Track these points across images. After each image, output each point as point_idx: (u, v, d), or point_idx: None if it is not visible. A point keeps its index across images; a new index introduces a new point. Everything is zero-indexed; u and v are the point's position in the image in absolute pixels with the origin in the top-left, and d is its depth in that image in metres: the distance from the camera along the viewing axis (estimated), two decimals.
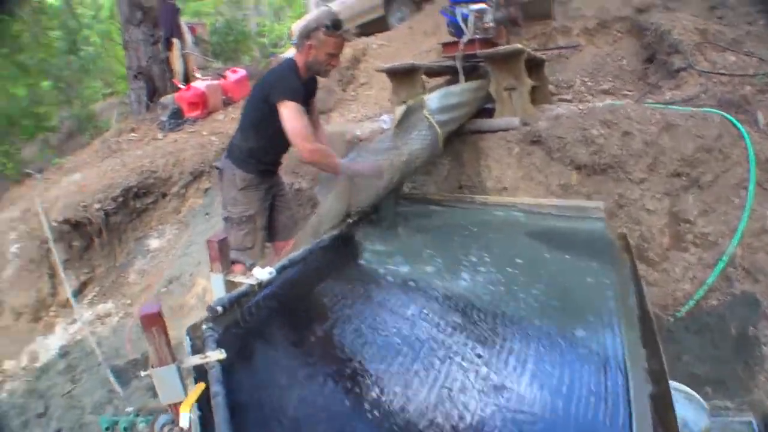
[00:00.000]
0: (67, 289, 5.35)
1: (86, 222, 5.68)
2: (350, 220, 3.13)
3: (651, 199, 3.94)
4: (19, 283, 5.62)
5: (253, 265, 3.38)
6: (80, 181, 6.28)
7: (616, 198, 3.99)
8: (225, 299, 2.15)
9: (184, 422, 1.35)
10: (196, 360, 1.81)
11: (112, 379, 4.22)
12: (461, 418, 1.70)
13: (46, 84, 10.57)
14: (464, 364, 1.95)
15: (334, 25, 3.38)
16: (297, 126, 3.27)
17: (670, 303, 3.67)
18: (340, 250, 2.95)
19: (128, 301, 5.33)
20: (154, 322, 1.71)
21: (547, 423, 1.70)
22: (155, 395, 3.67)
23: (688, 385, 2.53)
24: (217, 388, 1.64)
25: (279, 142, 3.46)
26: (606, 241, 2.95)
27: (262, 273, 2.33)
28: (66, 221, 5.64)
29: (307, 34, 3.43)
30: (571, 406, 1.74)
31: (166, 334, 1.73)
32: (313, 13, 3.52)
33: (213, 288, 2.53)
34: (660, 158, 3.96)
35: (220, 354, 1.79)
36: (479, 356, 2.00)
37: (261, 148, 3.63)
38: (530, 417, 1.68)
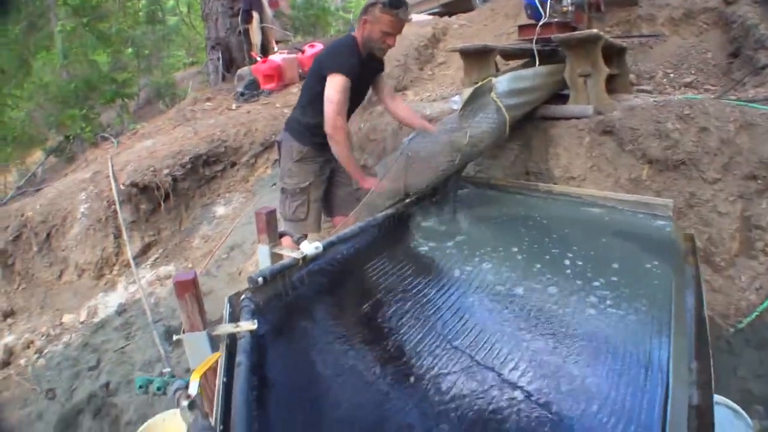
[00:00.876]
0: (128, 249, 5.47)
1: (154, 186, 5.82)
2: (407, 200, 3.08)
3: (723, 201, 3.75)
4: (85, 242, 5.79)
5: (301, 239, 3.40)
6: (151, 147, 6.43)
7: (687, 197, 3.81)
8: (267, 271, 2.15)
9: (192, 389, 1.33)
10: (228, 328, 1.81)
11: (157, 339, 4.29)
12: (497, 404, 1.64)
13: (128, 52, 10.83)
14: (507, 350, 1.89)
15: (392, 3, 3.31)
16: (334, 97, 3.30)
17: (732, 312, 3.50)
18: (394, 230, 2.91)
19: (190, 265, 5.46)
20: (187, 288, 1.71)
21: (575, 419, 1.62)
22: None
23: (739, 402, 2.40)
24: (241, 358, 1.63)
25: None
26: (671, 241, 2.83)
27: (309, 247, 2.31)
28: (134, 184, 5.78)
29: (365, 8, 3.43)
30: (605, 404, 1.68)
31: (199, 300, 1.73)
32: None
33: (259, 259, 2.53)
34: (736, 158, 3.76)
35: (251, 324, 1.78)
36: (526, 346, 1.93)
37: (318, 123, 3.52)
38: (559, 409, 1.61)
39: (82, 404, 4.20)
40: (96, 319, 5.26)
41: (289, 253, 2.34)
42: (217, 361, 1.69)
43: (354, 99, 3.55)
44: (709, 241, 3.71)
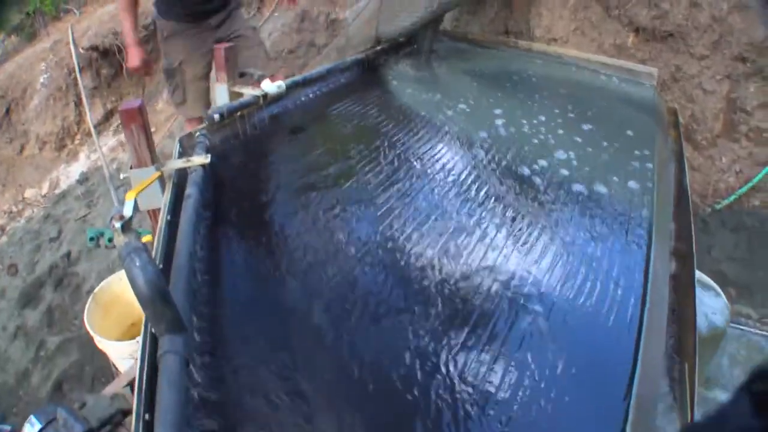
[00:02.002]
0: (89, 118, 5.27)
1: (115, 49, 5.54)
2: (379, 47, 2.90)
3: (710, 79, 3.63)
4: (45, 113, 5.58)
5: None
6: (113, 11, 6.10)
7: (673, 70, 3.69)
8: (224, 107, 2.02)
9: (126, 211, 1.20)
10: (179, 163, 1.67)
11: (114, 199, 4.16)
12: (466, 264, 1.53)
13: None
14: (488, 209, 1.78)
15: None
16: None
17: (710, 193, 3.49)
18: (363, 75, 2.74)
19: (153, 129, 5.17)
20: (133, 118, 1.56)
21: (557, 279, 1.53)
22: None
23: None
24: (191, 191, 1.51)
25: None
26: (654, 110, 2.77)
27: (271, 86, 2.17)
28: (94, 47, 5.51)
29: None
30: (586, 268, 1.59)
31: (147, 132, 1.58)
32: None
33: (216, 98, 2.37)
34: (726, 38, 3.60)
35: (204, 159, 1.66)
36: (503, 206, 1.82)
37: None
38: (538, 286, 1.50)
39: (44, 276, 4.11)
40: (58, 191, 5.12)
41: (249, 91, 2.19)
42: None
43: None
44: (692, 118, 3.63)
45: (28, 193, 5.28)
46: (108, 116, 5.57)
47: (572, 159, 2.19)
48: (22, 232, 4.74)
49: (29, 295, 3.98)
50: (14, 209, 5.18)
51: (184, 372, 1.00)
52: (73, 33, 5.65)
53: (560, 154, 2.21)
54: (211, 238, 1.50)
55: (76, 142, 5.47)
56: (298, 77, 2.40)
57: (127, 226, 1.14)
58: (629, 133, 2.46)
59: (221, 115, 1.98)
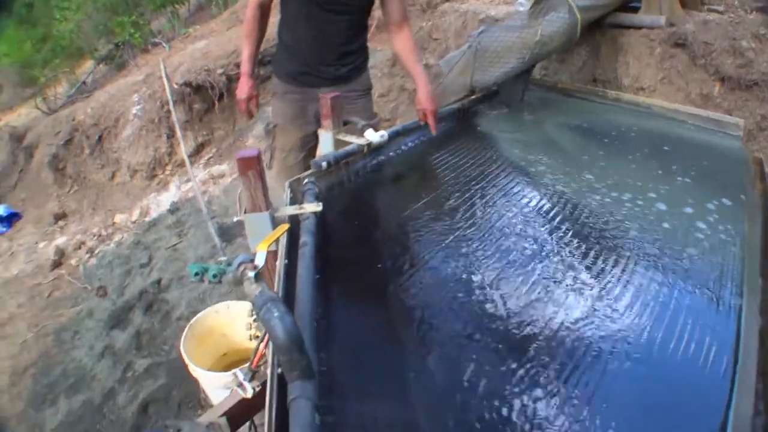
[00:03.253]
0: (182, 148, 5.48)
1: (208, 86, 5.78)
2: (473, 96, 3.00)
3: None
4: (137, 143, 5.84)
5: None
6: (205, 48, 6.38)
7: (758, 119, 3.64)
8: (330, 156, 2.13)
9: (259, 260, 1.30)
10: (292, 210, 1.77)
11: (212, 231, 4.31)
12: (549, 319, 1.58)
13: None
14: (565, 268, 1.81)
15: None
16: None
17: None
18: (460, 125, 2.83)
19: None
20: (251, 165, 1.66)
21: (645, 330, 1.55)
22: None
23: None
24: (306, 239, 1.60)
25: (309, 29, 2.75)
26: (741, 161, 2.73)
27: (374, 135, 2.27)
28: (188, 84, 5.76)
29: None
30: (675, 320, 1.59)
31: (262, 179, 1.68)
32: None
33: (321, 145, 2.49)
34: None
35: (316, 206, 1.75)
36: (584, 264, 1.85)
37: (291, 44, 2.87)
38: (625, 333, 1.54)
39: (133, 300, 4.25)
40: (148, 218, 5.33)
41: (353, 139, 2.29)
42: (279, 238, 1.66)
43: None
44: None
45: (118, 218, 5.50)
46: (199, 149, 5.79)
47: (659, 210, 2.20)
48: (111, 256, 4.94)
49: (118, 318, 4.14)
50: (104, 233, 5.39)
51: (314, 417, 1.04)
52: (165, 67, 5.90)
53: (646, 205, 2.23)
54: (325, 285, 1.57)
55: (167, 172, 5.69)
56: (398, 127, 2.50)
57: (260, 276, 1.24)
58: (716, 184, 2.46)
59: (328, 164, 2.09)
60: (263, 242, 1.50)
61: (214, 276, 3.83)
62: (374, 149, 2.31)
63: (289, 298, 1.42)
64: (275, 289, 1.50)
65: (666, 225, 2.10)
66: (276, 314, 1.07)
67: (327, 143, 2.42)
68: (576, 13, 3.14)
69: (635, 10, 4.19)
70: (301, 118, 2.94)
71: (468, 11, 4.91)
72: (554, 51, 3.29)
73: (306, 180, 2.00)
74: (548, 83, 3.71)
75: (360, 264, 1.79)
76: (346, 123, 2.48)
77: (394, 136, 2.41)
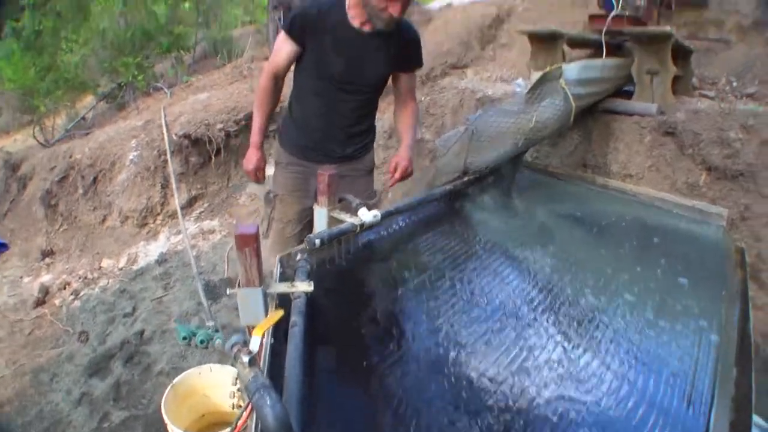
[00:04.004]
0: (176, 201, 5.52)
1: (206, 140, 5.84)
2: (466, 178, 3.07)
3: None
4: (131, 189, 5.86)
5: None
6: (206, 101, 6.46)
7: (741, 209, 3.77)
8: (325, 234, 2.15)
9: (253, 345, 1.33)
10: (283, 287, 1.80)
11: (200, 291, 4.33)
12: (529, 396, 1.63)
13: (187, 5, 10.86)
14: (548, 346, 1.87)
15: None
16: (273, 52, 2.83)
17: None
18: (450, 206, 2.90)
19: (234, 221, 5.42)
20: (248, 242, 1.70)
21: (616, 414, 1.61)
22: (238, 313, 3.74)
23: None
24: (296, 319, 1.63)
25: (316, 89, 2.78)
26: (722, 251, 2.80)
27: (367, 215, 2.31)
28: (186, 136, 5.83)
29: None
30: (647, 407, 1.64)
31: (258, 256, 1.72)
32: None
33: (315, 221, 2.53)
34: None
35: (308, 286, 1.78)
36: (564, 344, 1.91)
37: (300, 116, 2.89)
38: (600, 410, 1.59)
39: (114, 349, 4.22)
40: (135, 267, 5.32)
41: (347, 218, 2.34)
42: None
43: (339, 70, 2.75)
44: (758, 258, 3.66)
45: (105, 262, 5.50)
46: (191, 202, 5.83)
47: (637, 296, 2.26)
48: (95, 301, 4.92)
49: (98, 365, 4.10)
50: (89, 276, 5.39)
51: None
52: (165, 116, 5.97)
53: (625, 291, 2.29)
54: (313, 367, 1.60)
55: (158, 222, 5.72)
56: (391, 207, 2.54)
57: (254, 361, 1.27)
58: (696, 273, 2.52)
59: (321, 241, 2.13)
60: (259, 328, 1.53)
61: (201, 342, 3.84)
62: (367, 228, 2.35)
63: (275, 375, 1.44)
64: (261, 366, 1.53)
65: (644, 311, 2.16)
66: (268, 402, 1.11)
67: (321, 220, 2.47)
68: (571, 101, 3.24)
69: (629, 94, 4.32)
70: (302, 191, 2.97)
71: (466, 89, 5.04)
72: (548, 137, 3.39)
73: (299, 257, 2.04)
74: (539, 166, 3.79)
75: (347, 344, 1.83)
76: (341, 200, 2.54)
77: (386, 215, 2.46)
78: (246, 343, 1.33)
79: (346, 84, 2.77)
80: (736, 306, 2.30)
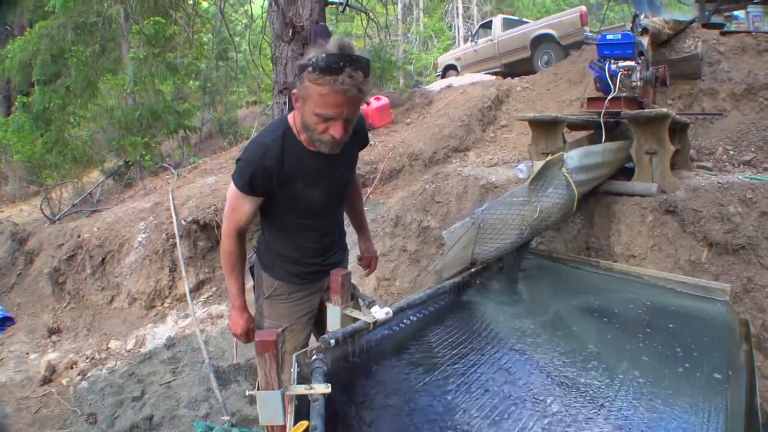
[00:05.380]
0: (185, 285, 5.57)
1: (214, 224, 5.93)
2: (473, 269, 3.13)
3: None
4: (139, 271, 5.93)
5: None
6: (214, 185, 6.59)
7: (744, 282, 3.82)
8: (339, 333, 2.20)
9: None
10: (301, 390, 1.85)
11: (213, 379, 4.34)
12: None
13: (193, 84, 11.12)
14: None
15: (325, 66, 2.06)
16: (226, 213, 2.57)
17: None
18: (459, 298, 2.95)
19: None
20: (268, 348, 1.77)
21: None
22: (251, 402, 3.74)
23: None
24: (316, 422, 1.67)
25: (302, 225, 2.63)
26: (727, 326, 2.85)
27: (380, 312, 2.36)
28: (195, 221, 5.91)
29: (297, 72, 2.24)
30: None
31: (277, 361, 1.78)
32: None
33: (329, 319, 2.58)
34: None
35: (325, 388, 1.83)
36: (573, 427, 1.95)
37: (290, 253, 2.72)
38: None
39: None
40: (143, 349, 5.35)
41: (360, 316, 2.39)
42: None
43: (320, 201, 2.58)
44: (763, 328, 3.70)
45: (113, 344, 5.53)
46: (199, 286, 5.88)
47: (644, 379, 2.29)
48: (104, 383, 4.94)
49: None
50: (97, 356, 5.41)
51: None
52: (173, 199, 6.07)
53: (632, 375, 2.33)
54: None
55: (166, 305, 5.77)
56: (402, 303, 2.60)
57: None
58: (703, 350, 2.56)
59: (336, 341, 2.17)
60: None
61: None
62: (379, 324, 2.40)
63: None
64: None
65: (652, 393, 2.19)
66: None
67: (335, 318, 2.52)
68: (574, 188, 3.31)
69: (629, 171, 4.40)
70: (309, 312, 2.84)
71: (470, 176, 5.14)
72: (552, 225, 3.45)
73: (314, 357, 2.07)
74: (544, 252, 3.85)
75: None
76: (352, 297, 2.59)
77: (397, 311, 2.50)
78: None
79: (329, 206, 2.65)
80: (742, 380, 2.34)
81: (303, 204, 2.53)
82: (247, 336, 2.81)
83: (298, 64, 2.20)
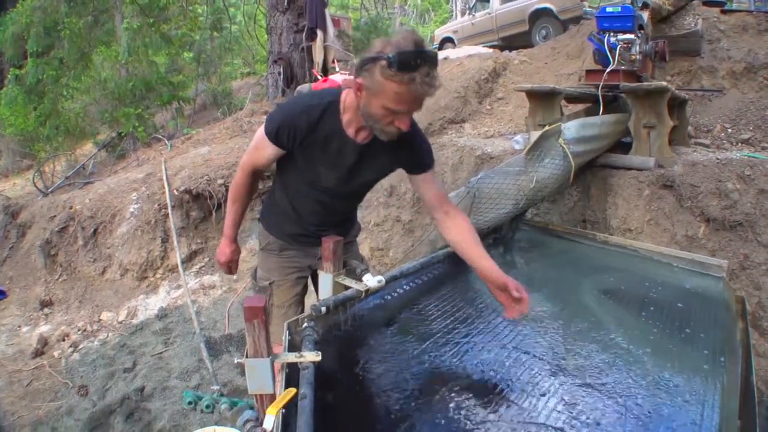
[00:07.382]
0: (177, 255, 5.53)
1: (207, 195, 5.87)
2: None
3: None
4: (131, 242, 5.89)
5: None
6: (207, 155, 6.52)
7: (741, 259, 3.80)
8: (330, 300, 2.18)
9: (268, 424, 1.34)
10: (291, 358, 1.81)
11: (203, 350, 4.31)
12: None
13: (187, 55, 11.01)
14: (547, 412, 1.87)
15: (401, 63, 1.98)
16: (248, 149, 2.60)
17: None
18: (453, 268, 2.91)
19: (234, 277, 5.34)
20: (256, 314, 1.72)
21: None
22: (241, 372, 3.72)
23: None
24: (306, 390, 1.63)
25: (309, 194, 2.61)
26: (722, 302, 2.80)
27: (372, 280, 2.33)
28: (187, 191, 5.86)
29: (361, 64, 2.15)
30: None
31: (266, 328, 1.74)
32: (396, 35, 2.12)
33: (320, 287, 2.56)
34: None
35: (316, 356, 1.79)
36: (565, 401, 1.91)
37: (287, 208, 2.72)
38: None
39: (114, 405, 4.20)
40: (135, 321, 5.32)
41: (353, 284, 2.35)
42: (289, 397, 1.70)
43: (332, 183, 2.53)
44: (759, 306, 3.69)
45: (105, 315, 5.49)
46: (191, 256, 5.84)
47: (640, 354, 2.26)
48: (95, 355, 4.91)
49: (98, 421, 4.08)
50: (89, 328, 5.38)
51: None
52: (166, 170, 6.01)
53: (627, 349, 2.29)
54: None
55: (158, 275, 5.73)
56: (395, 271, 2.56)
57: None
58: (698, 327, 2.52)
59: (327, 308, 2.14)
60: (272, 407, 1.56)
61: (207, 406, 3.82)
62: (372, 293, 2.36)
63: None
64: None
65: (646, 367, 2.16)
66: None
67: (326, 286, 2.49)
68: (571, 159, 3.28)
69: (626, 145, 4.36)
70: (299, 273, 2.84)
71: (465, 147, 5.09)
72: (548, 195, 3.42)
73: (305, 325, 2.04)
74: (539, 224, 3.81)
75: (356, 414, 1.84)
76: (344, 265, 2.55)
77: (390, 280, 2.47)
78: (258, 420, 1.34)
79: (339, 194, 2.61)
80: (738, 357, 2.31)
81: (315, 176, 2.52)
82: (229, 267, 2.91)
83: (366, 56, 2.15)
